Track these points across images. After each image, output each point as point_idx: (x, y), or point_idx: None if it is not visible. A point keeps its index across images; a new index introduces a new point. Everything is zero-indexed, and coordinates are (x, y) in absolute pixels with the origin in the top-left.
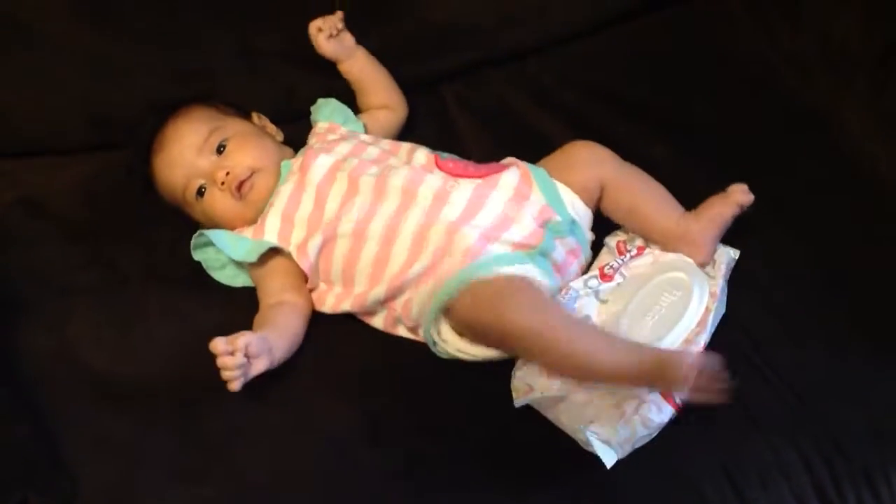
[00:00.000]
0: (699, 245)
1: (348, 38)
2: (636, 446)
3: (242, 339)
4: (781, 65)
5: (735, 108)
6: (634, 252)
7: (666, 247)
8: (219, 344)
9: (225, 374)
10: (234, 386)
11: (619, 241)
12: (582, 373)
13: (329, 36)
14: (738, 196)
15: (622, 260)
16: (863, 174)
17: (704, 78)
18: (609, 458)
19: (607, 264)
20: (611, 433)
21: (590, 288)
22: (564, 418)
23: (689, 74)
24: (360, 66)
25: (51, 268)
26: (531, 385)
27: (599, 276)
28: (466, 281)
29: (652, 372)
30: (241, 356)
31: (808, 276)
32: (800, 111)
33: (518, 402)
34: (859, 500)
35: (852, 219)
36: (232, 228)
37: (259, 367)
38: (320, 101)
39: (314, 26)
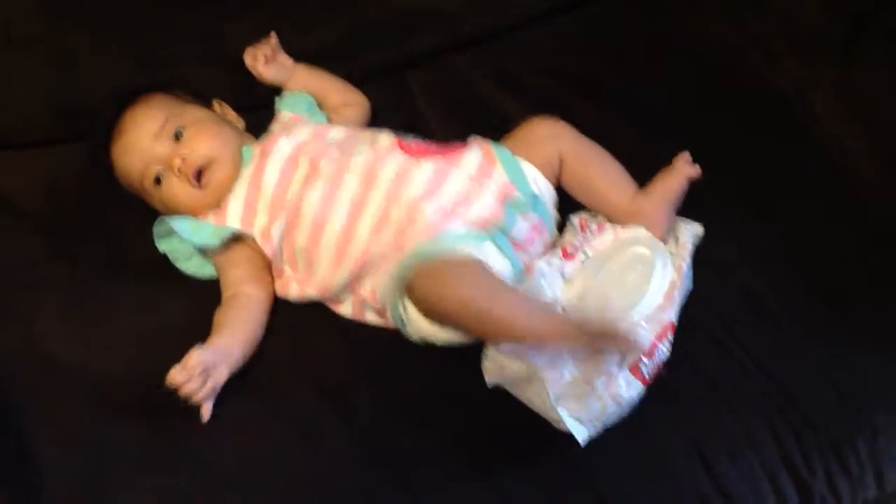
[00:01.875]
0: (653, 222)
1: (285, 59)
2: (607, 423)
3: (193, 359)
4: (747, 47)
5: (701, 90)
6: (595, 229)
7: (620, 223)
8: (175, 376)
9: (194, 400)
10: (207, 408)
11: (581, 219)
12: (503, 334)
13: (266, 61)
14: (685, 168)
15: (583, 237)
16: (831, 154)
17: (670, 61)
18: (581, 435)
19: (570, 242)
20: (582, 409)
21: (554, 267)
22: (536, 398)
23: (654, 57)
24: (303, 81)
25: (16, 261)
26: (501, 365)
27: (562, 255)
28: (421, 256)
29: (573, 329)
30: (199, 375)
31: (776, 255)
32: (766, 93)
33: (490, 381)
34: (828, 472)
35: (820, 198)
36: (193, 216)
37: (220, 376)
38: (286, 92)
39: (249, 55)
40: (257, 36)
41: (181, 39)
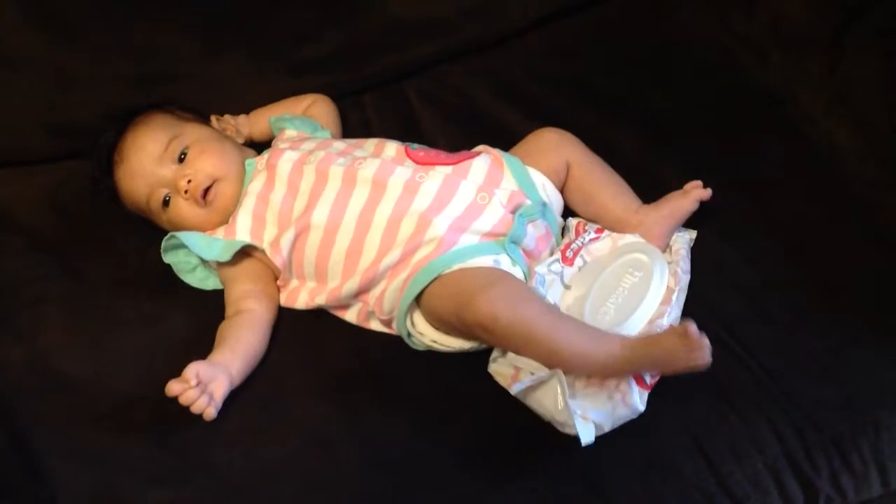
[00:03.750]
0: (653, 236)
1: (239, 124)
2: (616, 425)
3: (190, 370)
4: (736, 47)
5: (692, 92)
6: (593, 235)
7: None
8: (173, 386)
9: (194, 409)
10: (209, 413)
11: (577, 223)
12: (572, 366)
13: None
14: (696, 192)
15: (581, 241)
16: (821, 151)
17: (661, 64)
18: (588, 436)
19: (568, 247)
20: (591, 408)
21: (554, 273)
22: (546, 398)
23: (646, 61)
24: (265, 118)
25: (20, 278)
26: (516, 366)
27: (561, 260)
28: (437, 272)
29: (647, 353)
30: (196, 385)
31: (773, 255)
32: (756, 92)
33: (513, 389)
34: (831, 469)
35: (812, 195)
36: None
37: (219, 388)
38: (286, 115)
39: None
40: (255, 51)
41: (178, 58)
